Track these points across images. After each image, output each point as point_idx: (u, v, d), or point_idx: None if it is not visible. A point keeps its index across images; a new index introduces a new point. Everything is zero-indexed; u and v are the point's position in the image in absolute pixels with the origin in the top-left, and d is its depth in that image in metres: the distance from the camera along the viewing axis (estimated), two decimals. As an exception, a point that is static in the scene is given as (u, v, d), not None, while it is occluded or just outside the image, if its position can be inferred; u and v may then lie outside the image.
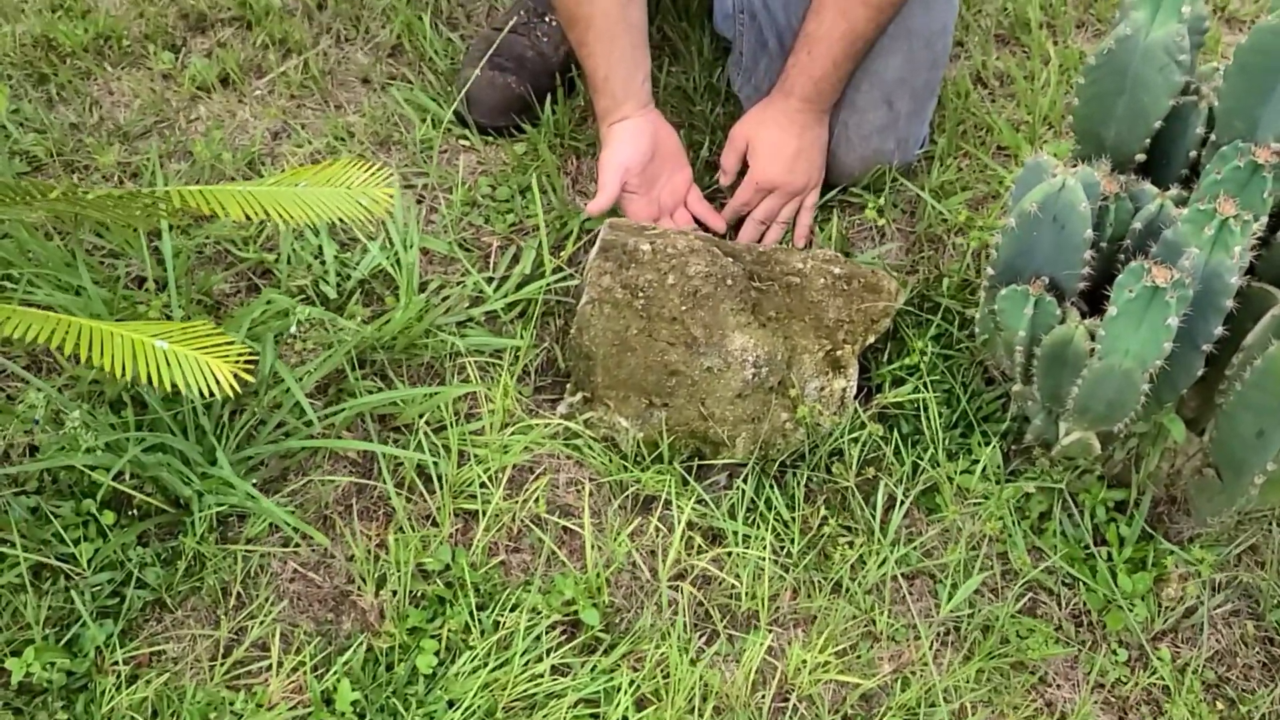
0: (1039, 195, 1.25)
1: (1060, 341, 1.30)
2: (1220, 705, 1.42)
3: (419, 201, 1.78)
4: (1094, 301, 1.35)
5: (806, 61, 1.62)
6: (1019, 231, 1.28)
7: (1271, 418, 1.26)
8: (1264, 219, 1.23)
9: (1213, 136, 1.30)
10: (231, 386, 1.07)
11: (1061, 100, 1.89)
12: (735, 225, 1.73)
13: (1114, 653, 1.44)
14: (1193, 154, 1.33)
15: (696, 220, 1.71)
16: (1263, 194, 1.21)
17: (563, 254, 1.69)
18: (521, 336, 1.61)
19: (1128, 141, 1.35)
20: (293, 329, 1.42)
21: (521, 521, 1.47)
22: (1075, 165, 1.26)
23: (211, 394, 1.06)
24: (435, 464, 1.47)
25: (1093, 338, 1.26)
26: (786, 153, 1.65)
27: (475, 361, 1.58)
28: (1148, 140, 1.33)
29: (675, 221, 1.68)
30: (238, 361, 1.09)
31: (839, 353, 1.51)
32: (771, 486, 1.49)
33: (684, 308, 1.48)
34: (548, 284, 1.64)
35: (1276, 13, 1.19)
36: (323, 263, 1.65)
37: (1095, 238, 1.28)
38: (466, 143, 1.84)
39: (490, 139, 1.84)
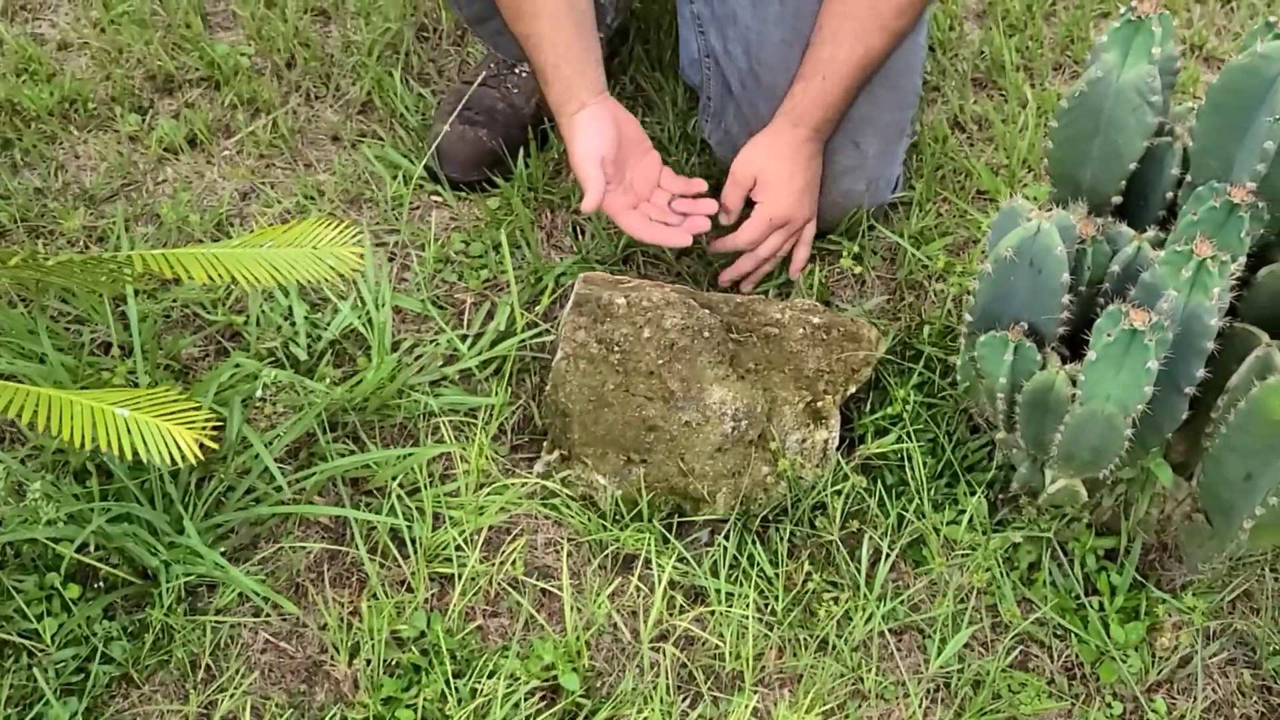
0: (1014, 240, 1.25)
1: (1041, 388, 1.30)
2: (1219, 757, 1.41)
3: (391, 259, 1.78)
4: (1075, 346, 1.35)
5: (820, 89, 1.61)
6: (995, 277, 1.29)
7: (1258, 460, 1.26)
8: (1242, 259, 1.24)
9: (1188, 177, 1.30)
10: (195, 454, 1.07)
11: (1040, 143, 1.90)
12: (704, 255, 1.73)
13: (1108, 706, 1.43)
14: (1169, 195, 1.34)
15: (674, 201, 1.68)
16: (1240, 234, 1.22)
17: (537, 309, 1.69)
18: (497, 394, 1.61)
19: (1104, 183, 1.36)
20: (259, 393, 1.41)
21: (499, 584, 1.46)
22: (1051, 209, 1.26)
23: (175, 462, 1.06)
24: (409, 527, 1.47)
25: (1074, 383, 1.27)
26: (797, 186, 1.65)
27: (450, 421, 1.58)
28: (1123, 182, 1.34)
29: (654, 206, 1.65)
30: (203, 428, 1.09)
31: (820, 404, 1.51)
32: (754, 542, 1.48)
33: (661, 361, 1.48)
34: (522, 340, 1.65)
35: (1248, 51, 1.21)
36: (293, 324, 1.65)
37: (1073, 281, 1.29)
38: (439, 198, 1.85)
39: (463, 194, 1.85)
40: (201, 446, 1.07)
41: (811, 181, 1.67)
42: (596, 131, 1.58)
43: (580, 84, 1.58)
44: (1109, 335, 1.18)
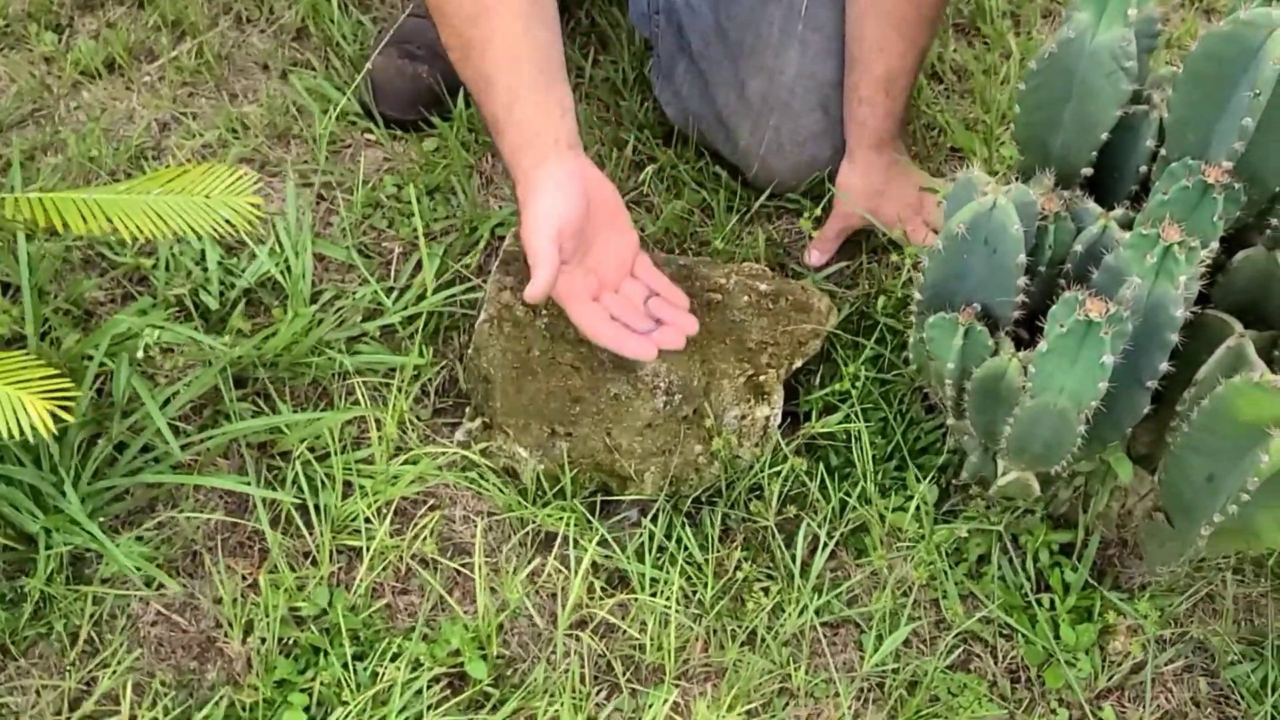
0: (967, 216, 1.18)
1: (992, 375, 1.24)
2: (1167, 772, 1.36)
3: (318, 202, 1.71)
4: (1034, 329, 1.29)
5: (888, 107, 1.56)
6: (947, 255, 1.22)
7: (1222, 462, 1.20)
8: (1214, 244, 1.17)
9: (1163, 151, 1.23)
10: (48, 426, 1.00)
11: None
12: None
13: (1053, 713, 1.38)
14: (1143, 168, 1.27)
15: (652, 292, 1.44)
16: (1213, 217, 1.15)
17: (470, 262, 1.62)
18: (422, 354, 1.54)
19: (1075, 153, 1.29)
20: (140, 353, 1.34)
21: (409, 561, 1.40)
22: (1010, 183, 1.19)
23: (25, 434, 0.99)
24: (316, 497, 1.41)
25: (1027, 371, 1.20)
26: (908, 197, 1.63)
27: (367, 382, 1.51)
28: (1095, 153, 1.27)
29: (621, 300, 1.39)
30: (59, 396, 1.02)
31: (762, 378, 1.45)
32: (683, 526, 1.42)
33: (590, 328, 1.41)
34: (451, 295, 1.58)
35: (1230, 17, 1.13)
36: (205, 269, 1.58)
37: (1032, 262, 1.22)
38: (371, 137, 1.78)
39: (397, 134, 1.77)
40: (55, 418, 1.00)
41: (907, 172, 1.63)
42: (557, 195, 1.29)
43: (540, 130, 1.30)
44: (1063, 326, 1.12)
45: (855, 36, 1.55)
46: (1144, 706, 1.39)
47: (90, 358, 1.39)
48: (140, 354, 1.34)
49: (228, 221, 1.20)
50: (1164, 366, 1.19)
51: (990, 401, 1.27)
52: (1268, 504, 1.19)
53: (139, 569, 1.34)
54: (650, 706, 1.34)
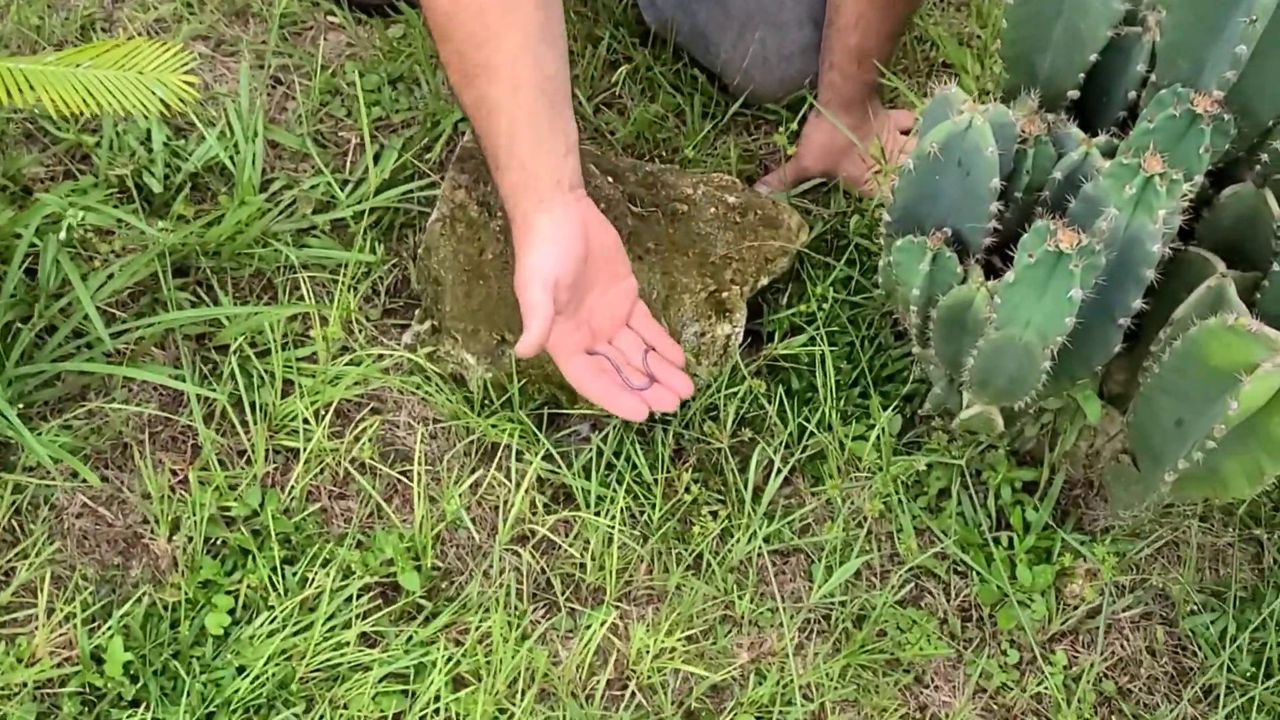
0: (941, 135, 1.14)
1: (959, 304, 1.21)
2: (1115, 720, 1.36)
3: (275, 86, 1.66)
4: (1008, 258, 1.25)
5: (860, 75, 1.55)
6: (918, 175, 1.18)
7: (1191, 407, 1.17)
8: (1199, 178, 1.13)
9: (1154, 76, 1.19)
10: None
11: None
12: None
13: (1003, 654, 1.37)
14: (1132, 94, 1.23)
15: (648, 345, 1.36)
16: (1199, 149, 1.11)
17: (430, 157, 1.58)
18: (373, 251, 1.51)
19: (1062, 74, 1.25)
20: (63, 235, 1.30)
21: (347, 465, 1.38)
22: (989, 102, 1.15)
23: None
24: (253, 394, 1.38)
25: (995, 302, 1.17)
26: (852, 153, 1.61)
27: (314, 277, 1.48)
28: (1083, 74, 1.23)
29: (614, 353, 1.32)
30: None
31: (725, 294, 1.42)
32: (634, 444, 1.40)
33: (547, 232, 1.38)
34: (407, 191, 1.54)
35: (1232, -63, 1.08)
36: (150, 150, 1.54)
37: (1008, 186, 1.18)
38: (334, 20, 1.72)
39: (361, 18, 1.72)
40: None
41: (880, 125, 1.60)
42: (557, 244, 1.24)
43: (542, 171, 1.24)
44: (1031, 256, 1.08)
45: (834, 4, 1.52)
46: (1097, 652, 1.37)
47: (19, 236, 1.35)
48: (63, 235, 1.30)
49: (164, 101, 1.15)
50: (1138, 304, 1.16)
51: (956, 331, 1.24)
52: (1236, 452, 1.17)
53: (57, 460, 1.31)
54: (588, 627, 1.32)
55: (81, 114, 1.15)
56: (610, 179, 1.42)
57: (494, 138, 1.23)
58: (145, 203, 1.51)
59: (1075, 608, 1.38)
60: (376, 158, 1.58)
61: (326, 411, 1.40)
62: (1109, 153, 1.18)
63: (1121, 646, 1.39)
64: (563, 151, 1.25)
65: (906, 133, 1.60)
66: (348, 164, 1.60)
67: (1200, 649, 1.39)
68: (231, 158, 1.54)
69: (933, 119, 1.19)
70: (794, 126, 1.61)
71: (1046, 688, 1.34)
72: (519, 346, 1.22)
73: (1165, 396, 1.20)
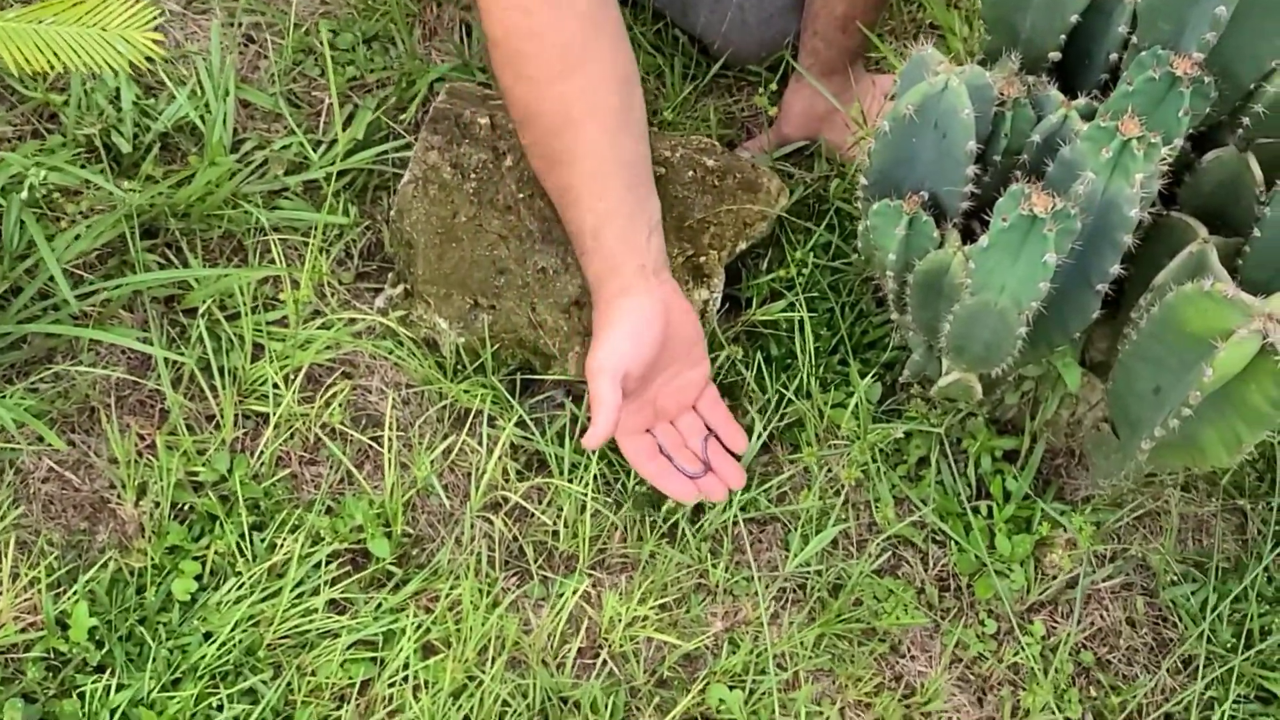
0: (916, 97, 1.15)
1: (935, 269, 1.22)
2: (1093, 691, 1.38)
3: (246, 44, 1.67)
4: (987, 222, 1.27)
5: (845, 41, 1.55)
6: (894, 138, 1.20)
7: (1169, 375, 1.19)
8: (1178, 141, 1.15)
9: (1135, 39, 1.20)
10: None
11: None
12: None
13: (980, 624, 1.39)
14: (1114, 56, 1.24)
15: (709, 428, 1.40)
16: (1178, 112, 1.12)
17: (405, 118, 1.59)
18: (346, 213, 1.52)
19: (1043, 35, 1.26)
20: (24, 194, 1.32)
21: (316, 430, 1.39)
22: (966, 63, 1.16)
23: None
24: (222, 358, 1.40)
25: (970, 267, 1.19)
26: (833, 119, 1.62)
27: (285, 240, 1.49)
28: (1063, 36, 1.24)
29: (673, 434, 1.37)
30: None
31: (703, 259, 1.43)
32: (608, 410, 1.41)
33: (521, 195, 1.39)
34: (381, 152, 1.55)
35: (1211, -105, 1.09)
36: (119, 109, 1.55)
37: (984, 150, 1.20)
38: (308, -24, 1.73)
39: (336, -26, 1.73)
40: None
41: (864, 90, 1.60)
42: (633, 335, 1.28)
43: (624, 259, 1.28)
44: (1005, 220, 1.10)
45: None
46: (1075, 622, 1.39)
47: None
48: (24, 195, 1.31)
49: (129, 59, 1.16)
50: (1116, 269, 1.17)
51: (932, 296, 1.26)
52: (1213, 420, 1.18)
53: (22, 425, 1.33)
54: (560, 595, 1.34)
55: (47, 73, 1.16)
56: (586, 141, 1.43)
57: (578, 224, 1.29)
58: (114, 163, 1.52)
59: (1054, 578, 1.40)
60: (350, 118, 1.59)
61: (297, 376, 1.41)
62: (1088, 116, 1.19)
63: (1101, 617, 1.41)
64: (644, 237, 1.29)
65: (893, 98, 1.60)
66: (321, 124, 1.60)
67: (1180, 620, 1.41)
68: (202, 117, 1.55)
69: (909, 81, 1.20)
70: (774, 87, 1.62)
71: (1024, 658, 1.37)
72: (586, 439, 1.26)
73: (1143, 364, 1.22)
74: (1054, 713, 1.34)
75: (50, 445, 1.34)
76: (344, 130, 1.57)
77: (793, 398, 1.44)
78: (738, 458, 1.39)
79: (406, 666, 1.27)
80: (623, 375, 1.26)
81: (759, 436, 1.42)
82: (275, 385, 1.40)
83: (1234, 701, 1.36)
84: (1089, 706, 1.37)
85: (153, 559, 1.30)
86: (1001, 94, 1.19)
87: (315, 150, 1.56)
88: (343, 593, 1.31)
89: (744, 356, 1.45)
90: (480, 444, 1.40)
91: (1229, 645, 1.39)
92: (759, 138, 1.61)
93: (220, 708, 1.24)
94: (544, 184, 1.32)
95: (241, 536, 1.32)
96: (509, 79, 1.27)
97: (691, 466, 1.34)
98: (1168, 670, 1.38)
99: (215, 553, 1.31)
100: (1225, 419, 1.17)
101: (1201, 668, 1.38)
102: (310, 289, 1.44)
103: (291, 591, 1.29)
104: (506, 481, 1.39)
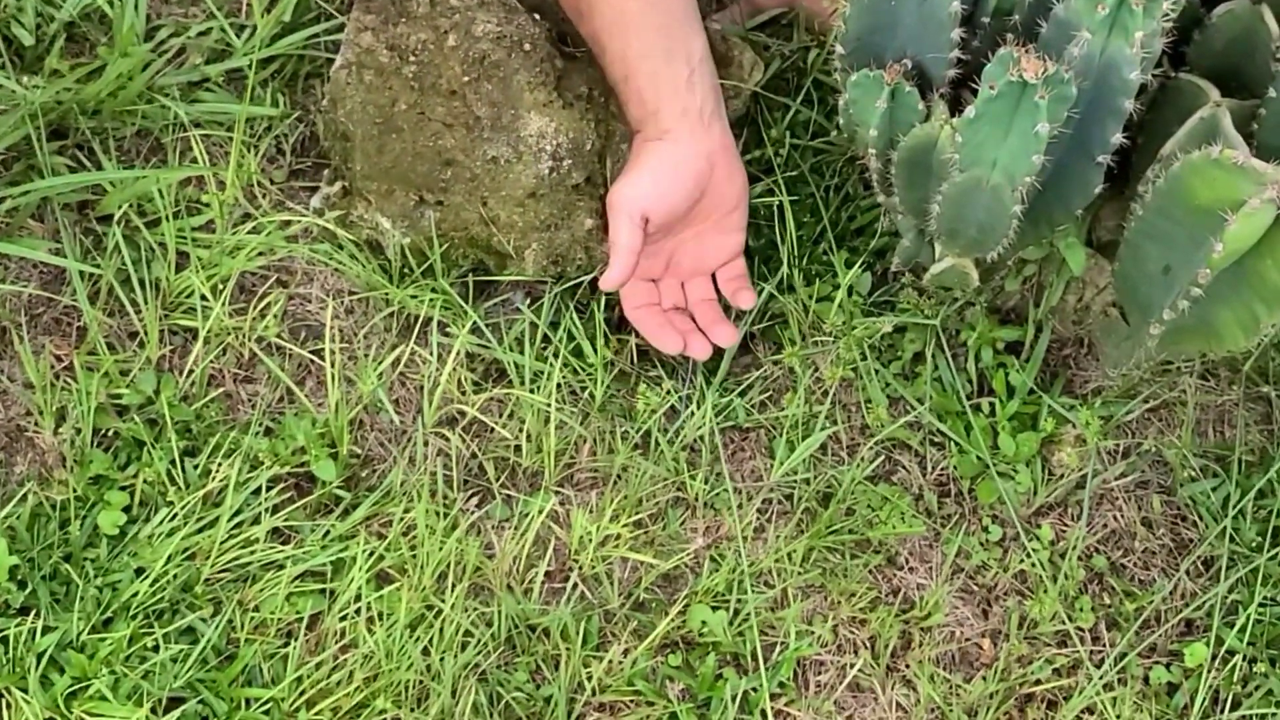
0: (894, -48, 1.16)
1: (921, 144, 1.23)
2: (1106, 598, 1.41)
3: (158, -82, 1.65)
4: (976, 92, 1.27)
5: None
6: (871, 1, 1.20)
7: (1178, 252, 1.21)
8: (1182, -5, 1.15)
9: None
10: None
11: None
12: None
13: (984, 530, 1.42)
14: (1115, -97, 1.24)
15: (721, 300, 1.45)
16: (1182, -39, 1.13)
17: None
18: (275, 104, 1.52)
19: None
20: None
21: (251, 345, 1.41)
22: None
23: None
24: (143, 269, 1.41)
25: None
26: None
27: (209, 136, 1.50)
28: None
29: (687, 294, 1.43)
30: None
31: (670, 142, 1.43)
32: (571, 313, 1.43)
33: (466, 79, 1.39)
34: (312, 35, 1.55)
35: None
36: (17, -4, 1.54)
37: (971, 12, 1.20)
38: None
39: None
40: None
41: None
42: (658, 175, 1.32)
43: (662, 101, 1.31)
44: (993, 88, 1.11)
45: None
46: (1085, 525, 1.42)
47: None
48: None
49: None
50: (1118, 138, 1.18)
51: (919, 175, 1.27)
52: (1228, 300, 1.20)
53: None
54: (525, 515, 1.37)
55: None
56: (535, 16, 1.43)
57: (611, 75, 1.34)
58: (15, 57, 1.51)
59: (1062, 478, 1.43)
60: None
61: (226, 286, 1.42)
62: (1086, -31, 1.19)
63: (1114, 519, 1.44)
64: (684, 76, 1.31)
65: None
66: (243, 6, 1.60)
67: (1200, 518, 1.44)
68: (111, 3, 1.54)
69: (889, -66, 1.20)
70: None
71: (1030, 565, 1.40)
72: (602, 279, 1.33)
73: (1150, 242, 1.23)
74: (1064, 622, 1.38)
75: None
76: (268, 12, 1.57)
77: (774, 292, 1.46)
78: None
79: (359, 598, 1.30)
80: (640, 218, 1.30)
81: (740, 334, 1.44)
82: (203, 297, 1.41)
83: (1260, 604, 1.39)
84: (1102, 614, 1.40)
85: (76, 490, 1.31)
86: (989, -54, 1.20)
87: (238, 36, 1.56)
88: (286, 520, 1.33)
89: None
90: (432, 354, 1.41)
91: (1253, 544, 1.42)
92: (730, 8, 1.61)
93: (156, 648, 1.26)
94: (585, 29, 1.37)
95: (172, 463, 1.34)
96: None
97: (683, 324, 1.41)
98: (1187, 573, 1.41)
99: (144, 481, 1.33)
100: (1241, 298, 1.19)
101: (1224, 569, 1.41)
102: (237, 189, 1.45)
103: (229, 521, 1.31)
104: (462, 394, 1.41)
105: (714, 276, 1.44)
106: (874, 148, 1.27)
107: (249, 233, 1.45)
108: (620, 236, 1.30)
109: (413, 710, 1.27)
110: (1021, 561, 1.40)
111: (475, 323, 1.42)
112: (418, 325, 1.42)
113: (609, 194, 1.33)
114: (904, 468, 1.44)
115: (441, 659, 1.28)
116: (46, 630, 1.25)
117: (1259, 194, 1.07)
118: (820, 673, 1.35)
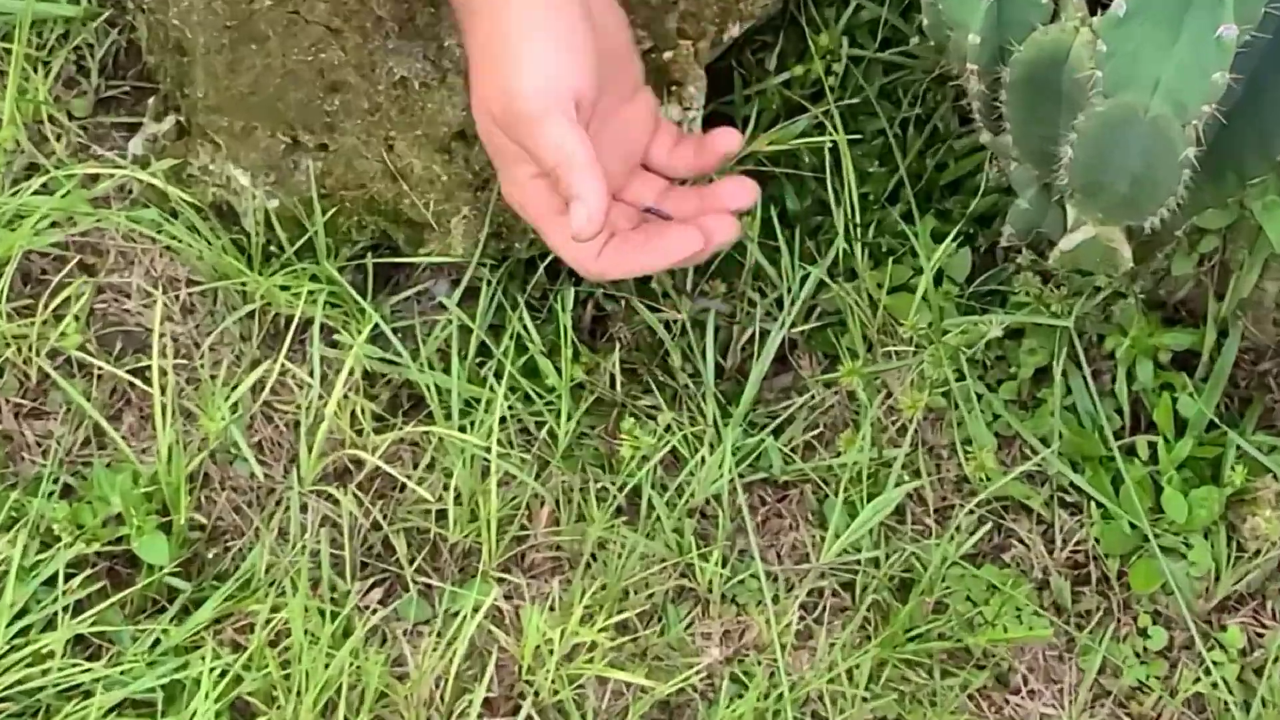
0: None
1: (1045, 57, 1.23)
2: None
3: None
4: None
5: None
6: None
7: None
8: None
9: None
10: None
11: None
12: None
13: (1143, 636, 1.43)
14: None
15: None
16: None
17: None
18: (74, 1, 1.53)
19: None
20: None
21: (40, 361, 1.41)
22: None
23: None
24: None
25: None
26: None
27: (-23, 48, 1.51)
28: None
29: (633, 197, 1.41)
30: None
31: (668, 55, 1.45)
32: (522, 312, 1.44)
33: (362, -42, 1.40)
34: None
35: None
36: None
37: None
38: None
39: None
40: None
41: None
42: (562, 40, 1.28)
43: None
44: (1155, -28, 1.11)
45: None
46: (1283, 635, 1.44)
47: None
48: None
49: None
50: (1341, 47, 1.19)
51: (1043, 103, 1.27)
52: None
53: None
54: (454, 614, 1.37)
55: None
56: None
57: None
58: None
59: (1258, 555, 1.43)
60: None
61: (3, 274, 1.42)
62: None
63: (1328, 620, 1.45)
64: None
65: None
66: None
67: None
68: None
69: None
70: None
71: (1211, 684, 1.40)
72: (575, 228, 1.25)
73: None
74: (1262, 774, 1.38)
75: None
76: None
77: (825, 279, 1.46)
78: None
79: (205, 740, 1.30)
80: (571, 107, 1.26)
81: (775, 343, 1.45)
82: (-29, 290, 1.42)
83: None
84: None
85: None
86: None
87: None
88: (95, 625, 1.33)
89: (744, 215, 1.46)
90: (313, 374, 1.41)
91: None
92: None
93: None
94: None
95: (-73, 541, 1.34)
96: None
97: (643, 232, 1.38)
98: None
99: (-127, 572, 1.33)
100: None
101: None
102: (19, 127, 1.45)
103: (7, 627, 1.31)
104: (359, 434, 1.41)
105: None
106: (976, 62, 1.28)
107: (36, 193, 1.45)
108: (566, 145, 1.24)
109: None
110: (1197, 681, 1.40)
111: (377, 326, 1.41)
112: (291, 331, 1.42)
113: (512, 101, 1.26)
114: (1021, 542, 1.45)
115: (329, 836, 1.29)
116: None
117: None
118: None
